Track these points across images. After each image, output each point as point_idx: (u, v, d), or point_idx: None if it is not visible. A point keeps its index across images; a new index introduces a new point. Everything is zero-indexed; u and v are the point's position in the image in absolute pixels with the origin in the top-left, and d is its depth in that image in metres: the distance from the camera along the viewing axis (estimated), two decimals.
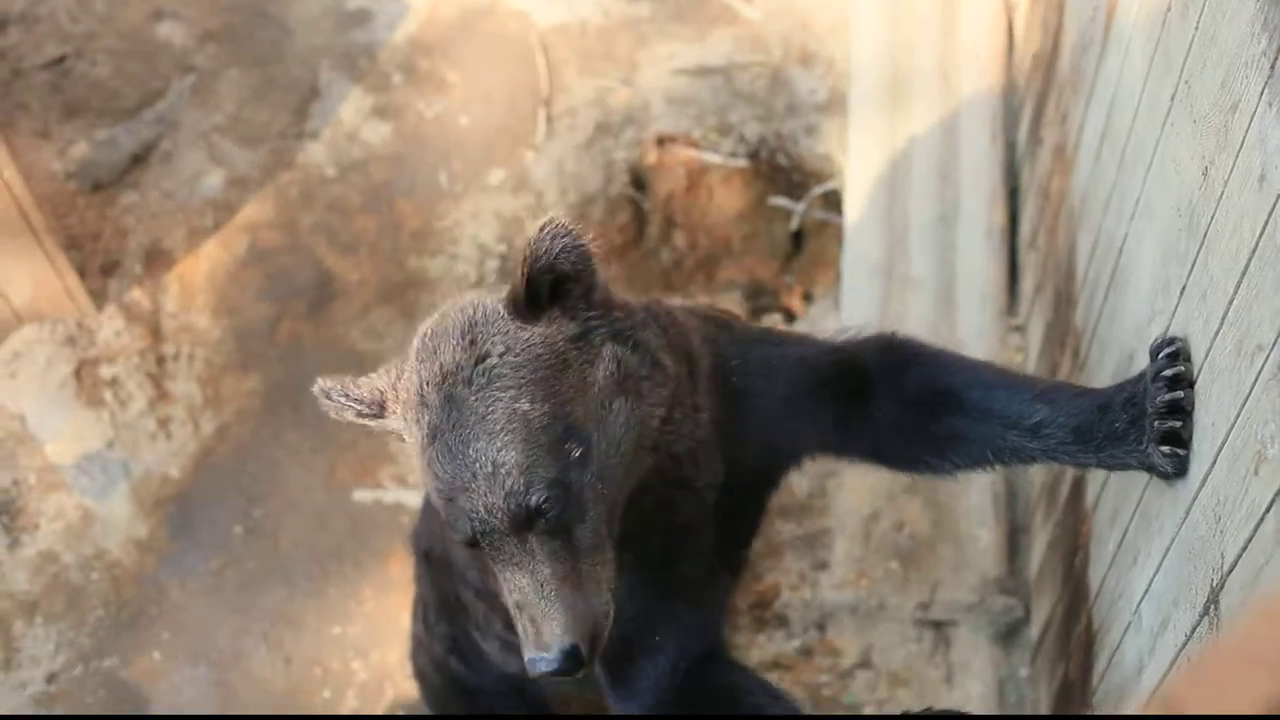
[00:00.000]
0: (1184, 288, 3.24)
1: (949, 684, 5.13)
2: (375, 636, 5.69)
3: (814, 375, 3.72)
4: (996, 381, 3.69)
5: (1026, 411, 3.52)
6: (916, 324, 5.69)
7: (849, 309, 5.85)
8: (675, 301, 3.94)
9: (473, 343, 3.16)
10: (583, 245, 3.17)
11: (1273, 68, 2.69)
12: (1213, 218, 3.03)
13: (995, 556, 5.27)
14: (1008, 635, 5.18)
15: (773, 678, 5.09)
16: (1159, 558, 3.34)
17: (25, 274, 6.20)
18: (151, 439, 6.17)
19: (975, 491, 5.37)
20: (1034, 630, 5.06)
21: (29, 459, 6.13)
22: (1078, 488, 4.40)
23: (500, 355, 3.15)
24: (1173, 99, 3.43)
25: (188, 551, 5.98)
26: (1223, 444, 2.91)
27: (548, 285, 3.17)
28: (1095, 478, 4.16)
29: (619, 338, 3.30)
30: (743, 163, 6.55)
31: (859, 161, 6.16)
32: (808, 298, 6.26)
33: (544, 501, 3.09)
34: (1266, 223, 2.66)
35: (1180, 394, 3.13)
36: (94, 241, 6.62)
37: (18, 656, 5.78)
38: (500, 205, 6.62)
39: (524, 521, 3.09)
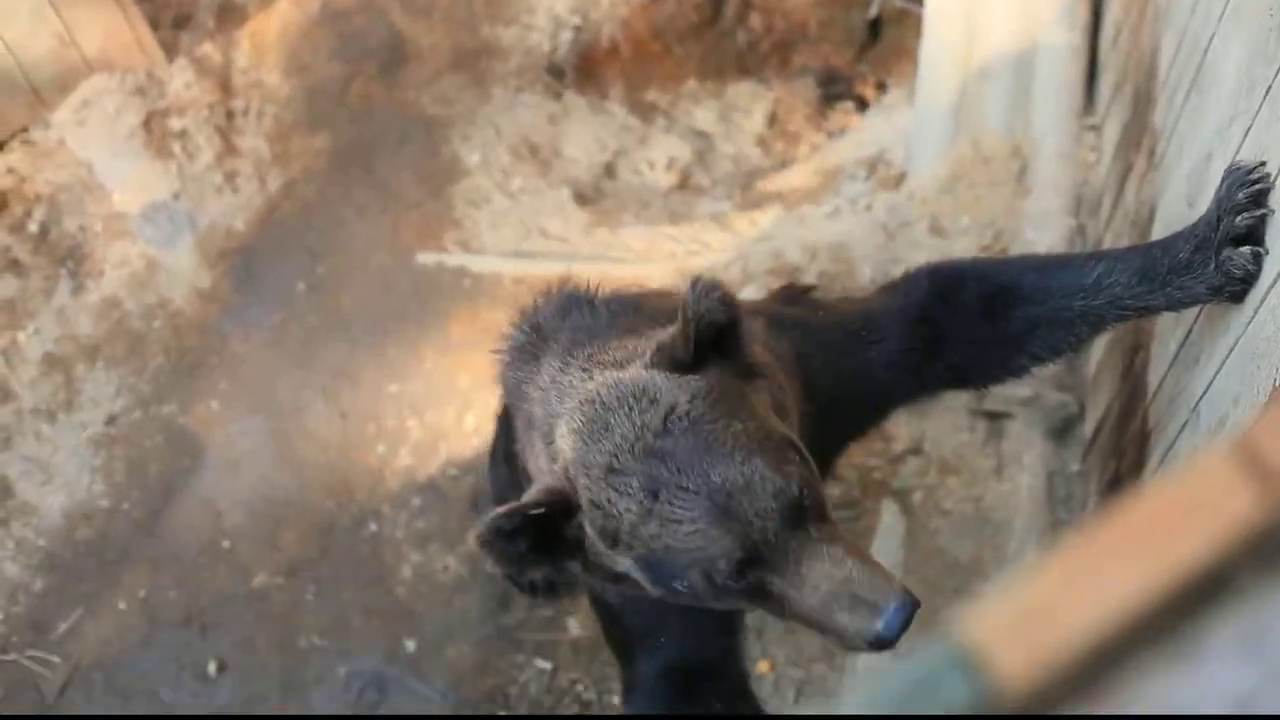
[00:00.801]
0: (1269, 88, 3.20)
1: (998, 475, 5.15)
2: (432, 396, 5.73)
3: (888, 353, 3.71)
4: (1047, 262, 3.73)
5: (1084, 273, 3.52)
6: (992, 117, 5.63)
7: (924, 100, 5.78)
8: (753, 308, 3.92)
9: (653, 402, 3.13)
10: (732, 298, 3.19)
11: None
12: None
13: None
14: (1061, 430, 5.18)
15: None
16: (1223, 356, 3.34)
17: (97, 23, 6.19)
18: (218, 192, 6.20)
19: None
20: (1088, 427, 5.06)
21: (96, 206, 6.17)
22: None
23: (689, 400, 3.12)
24: None
25: (250, 304, 6.03)
26: None
27: (708, 340, 3.18)
28: None
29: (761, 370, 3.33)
30: None
31: None
32: (881, 87, 6.21)
33: (803, 490, 3.07)
34: None
35: (1263, 185, 3.12)
36: None
37: (79, 399, 5.86)
38: None
39: (796, 515, 3.05)
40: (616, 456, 3.07)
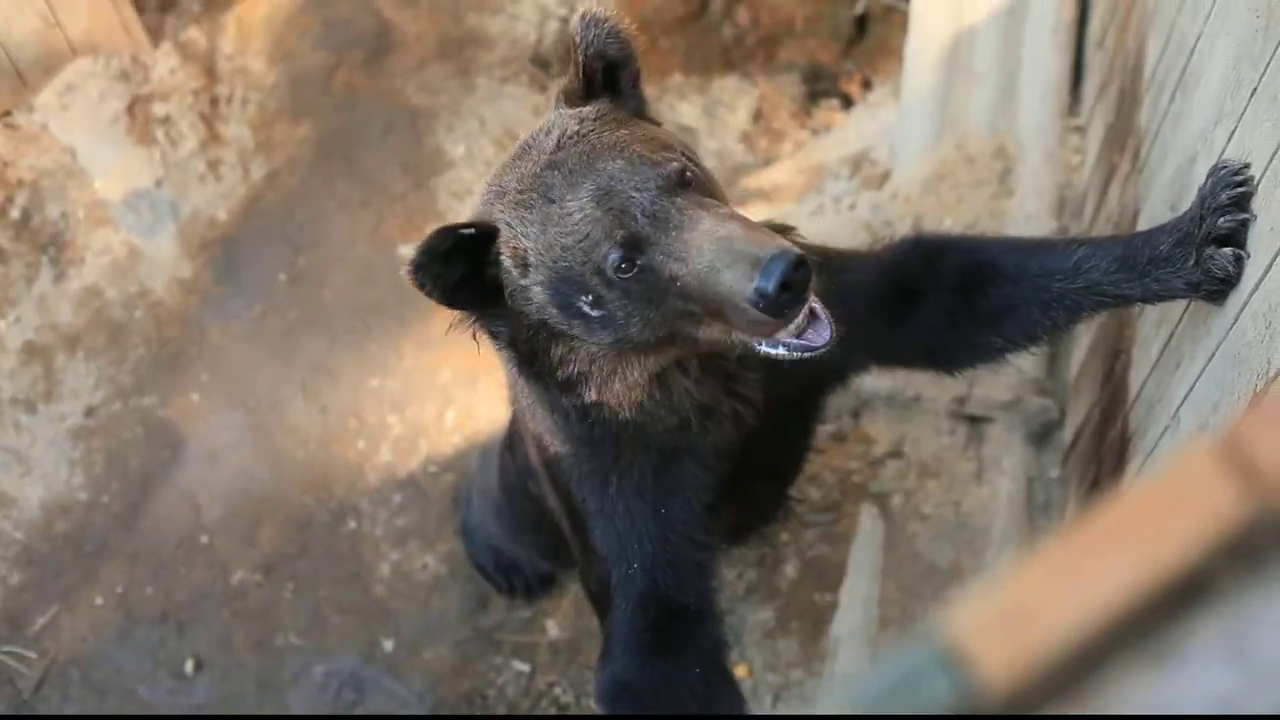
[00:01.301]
0: (1255, 89, 3.19)
1: (978, 480, 5.14)
2: (412, 392, 5.72)
3: (863, 297, 3.69)
4: (1029, 243, 3.75)
5: (1064, 257, 3.51)
6: (977, 117, 5.64)
7: (910, 99, 5.78)
8: None
9: (548, 132, 3.22)
10: (624, 31, 3.28)
11: None
12: None
13: (1036, 359, 5.25)
14: (1041, 435, 5.18)
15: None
16: (1204, 362, 3.34)
17: (82, 5, 6.17)
18: (201, 180, 6.18)
19: None
20: (1068, 433, 5.06)
21: (78, 192, 6.15)
22: None
23: (579, 123, 3.21)
24: None
25: (231, 295, 6.01)
26: None
27: (600, 73, 3.28)
28: None
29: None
30: None
31: None
32: (867, 84, 6.20)
33: (685, 172, 3.12)
34: None
35: (1246, 189, 3.11)
36: None
37: (58, 389, 5.84)
38: None
39: (676, 183, 3.09)
40: (520, 180, 3.18)
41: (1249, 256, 3.10)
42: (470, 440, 5.58)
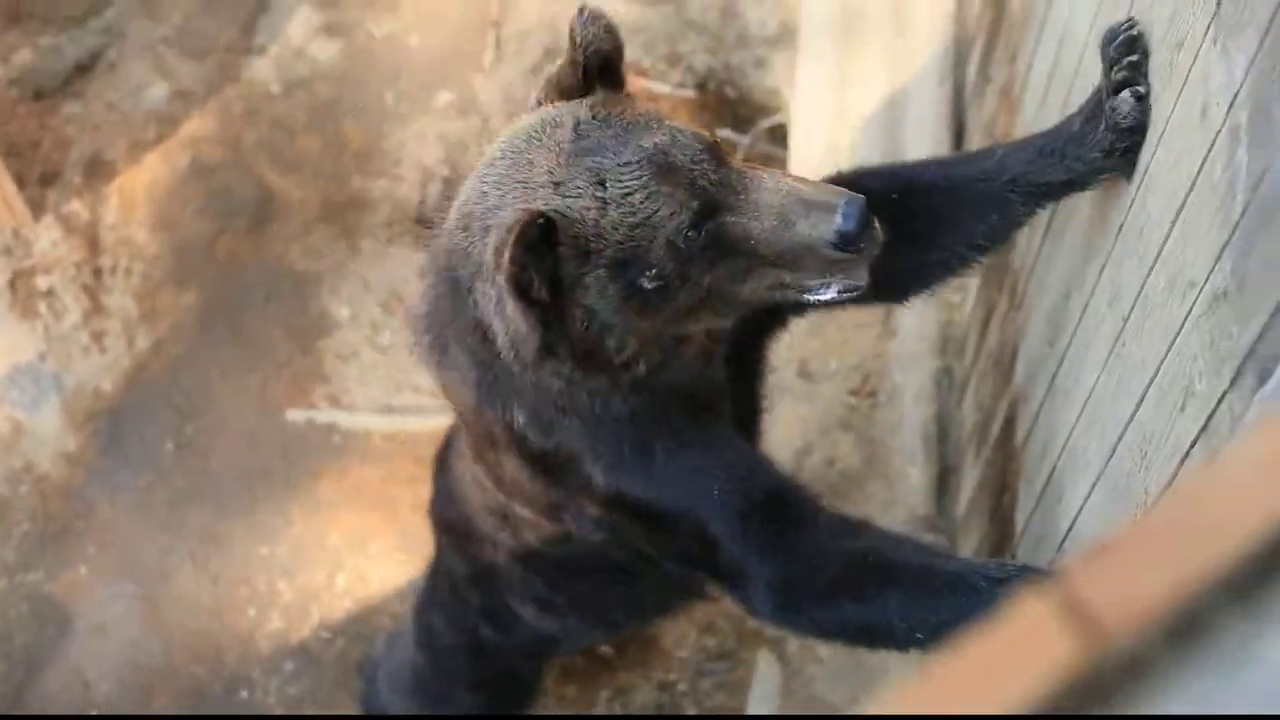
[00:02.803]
0: (1122, 226, 3.24)
1: None
2: (302, 558, 5.67)
3: None
4: (949, 157, 3.79)
5: (985, 158, 3.58)
6: None
7: None
8: None
9: (557, 125, 3.19)
10: (615, 27, 3.32)
11: (1219, 4, 2.68)
12: (1154, 155, 3.04)
13: (924, 495, 5.29)
14: None
15: (699, 610, 5.12)
16: (1084, 495, 3.36)
17: None
18: (85, 352, 6.13)
19: (907, 430, 5.39)
20: None
21: None
22: (1008, 427, 4.41)
23: (590, 109, 3.20)
24: None
25: (117, 467, 5.95)
26: (1151, 380, 2.92)
27: (595, 68, 3.29)
28: (1025, 416, 4.17)
29: None
30: (690, 93, 6.52)
31: (806, 96, 6.13)
32: None
33: (713, 139, 3.17)
34: (1205, 159, 2.66)
35: (1133, 32, 3.18)
36: (34, 150, 6.54)
37: None
38: (446, 128, 6.57)
39: (721, 156, 3.14)
40: (552, 171, 3.12)
41: (1148, 91, 3.14)
42: (362, 604, 5.53)
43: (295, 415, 5.95)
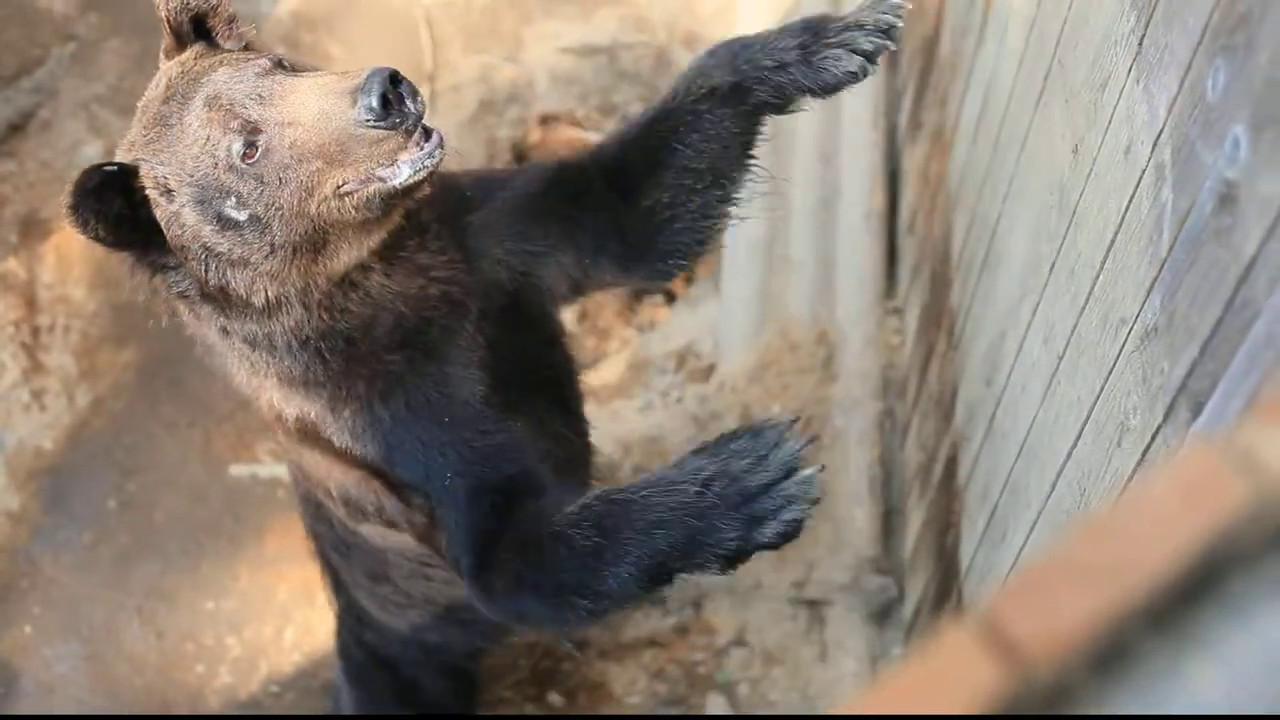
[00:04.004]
0: (1053, 264, 3.29)
1: (823, 662, 5.16)
2: (249, 612, 5.64)
3: (536, 198, 3.72)
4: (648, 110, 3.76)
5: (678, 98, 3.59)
6: (797, 305, 5.72)
7: (729, 291, 5.87)
8: None
9: (156, 85, 3.35)
10: None
11: (1140, 45, 2.73)
12: (1082, 194, 3.08)
13: (870, 536, 5.31)
14: (882, 614, 5.21)
15: (648, 655, 5.13)
16: (1026, 531, 3.39)
17: None
18: (25, 410, 6.09)
19: (852, 472, 5.41)
20: (907, 609, 5.10)
21: None
22: (951, 467, 4.44)
23: (181, 66, 3.32)
24: (1046, 79, 3.48)
25: (61, 525, 5.91)
26: (1088, 417, 2.95)
27: (189, 23, 3.43)
28: (966, 456, 4.20)
29: None
30: None
31: None
32: (689, 279, 6.26)
33: (281, 59, 3.30)
34: (1132, 197, 2.71)
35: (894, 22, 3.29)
36: None
37: None
38: None
39: (275, 67, 3.25)
40: (144, 128, 3.28)
41: (875, 69, 3.28)
42: (311, 657, 5.51)
43: (239, 470, 5.93)
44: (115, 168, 3.20)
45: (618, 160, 3.66)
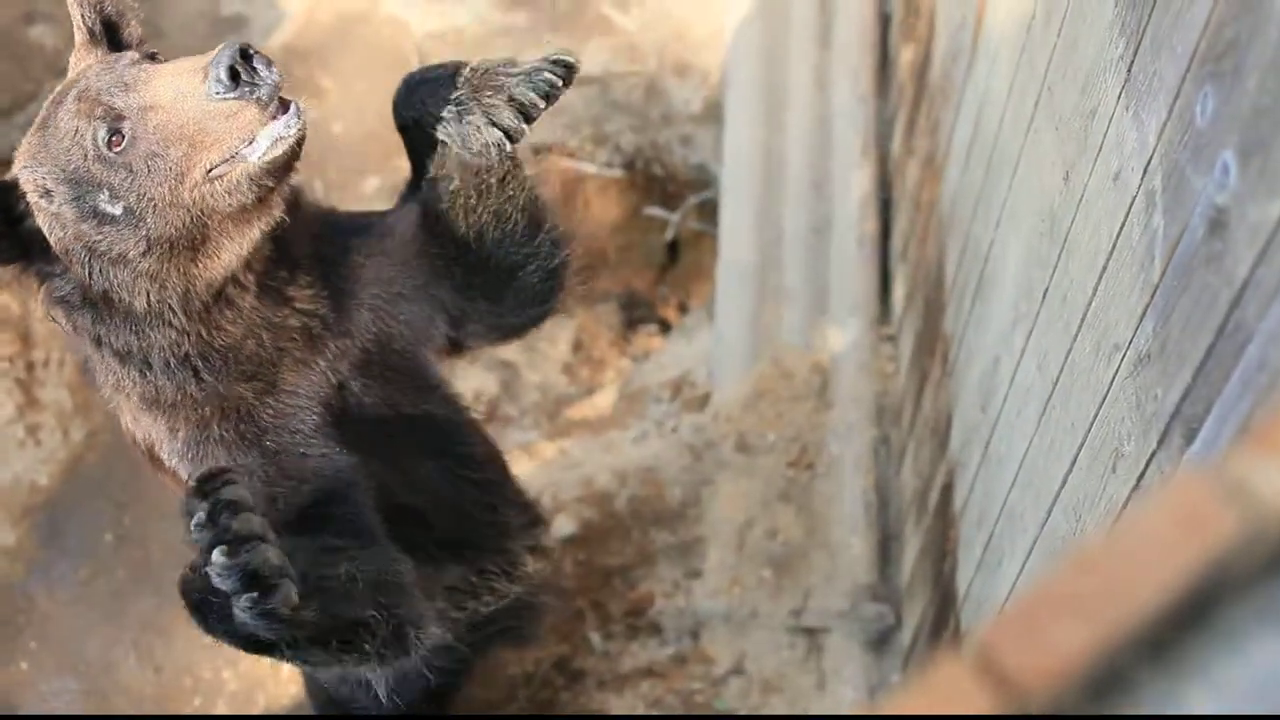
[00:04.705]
0: (1046, 291, 3.29)
1: (821, 690, 5.15)
2: None
3: (409, 243, 3.75)
4: None
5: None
6: (791, 333, 5.73)
7: (723, 320, 5.87)
8: None
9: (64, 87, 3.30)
10: None
11: (1129, 71, 2.73)
12: (1073, 221, 3.08)
13: (867, 564, 5.30)
14: (879, 641, 5.20)
15: (645, 685, 5.12)
16: (1022, 558, 3.38)
17: None
18: (20, 446, 6.08)
19: (848, 500, 5.41)
20: (905, 636, 5.09)
21: None
22: (946, 494, 4.44)
23: (82, 73, 3.28)
24: (1036, 105, 3.48)
25: (56, 560, 5.90)
26: (1082, 443, 2.95)
27: (101, 28, 3.41)
28: (962, 482, 4.20)
29: None
30: (618, 173, 6.55)
31: (733, 172, 6.18)
32: (683, 308, 6.27)
33: (155, 52, 3.32)
34: (1123, 223, 2.71)
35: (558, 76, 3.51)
36: None
37: None
38: None
39: (145, 58, 3.25)
40: (30, 135, 3.27)
41: (514, 144, 3.46)
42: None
43: None
44: None
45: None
